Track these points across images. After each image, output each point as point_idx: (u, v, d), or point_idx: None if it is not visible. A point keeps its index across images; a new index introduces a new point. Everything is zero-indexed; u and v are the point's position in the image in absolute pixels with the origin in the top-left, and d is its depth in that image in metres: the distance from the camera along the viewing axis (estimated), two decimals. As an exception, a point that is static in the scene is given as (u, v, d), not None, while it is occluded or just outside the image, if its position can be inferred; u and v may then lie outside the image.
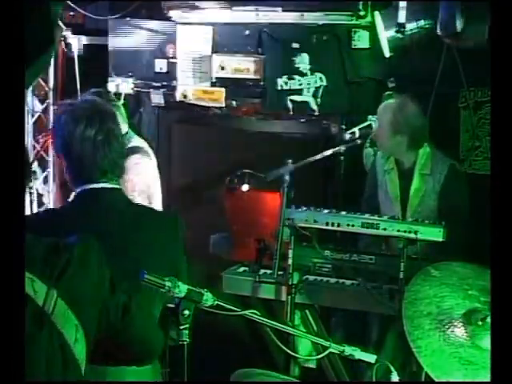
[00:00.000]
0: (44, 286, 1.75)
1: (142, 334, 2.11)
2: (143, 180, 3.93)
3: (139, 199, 3.85)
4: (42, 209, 5.47)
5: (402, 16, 4.32)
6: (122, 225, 2.48)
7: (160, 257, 2.48)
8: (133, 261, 2.38)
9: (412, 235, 3.66)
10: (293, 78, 5.00)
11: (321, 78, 4.94)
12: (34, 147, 5.61)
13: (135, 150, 4.08)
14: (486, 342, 2.29)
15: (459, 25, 3.96)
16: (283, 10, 4.90)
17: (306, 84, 4.97)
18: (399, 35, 4.38)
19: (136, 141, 4.14)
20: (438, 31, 4.12)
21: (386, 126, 4.12)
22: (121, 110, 4.19)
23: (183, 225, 2.63)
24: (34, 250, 1.80)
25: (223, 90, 5.20)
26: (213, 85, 5.23)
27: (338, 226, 3.85)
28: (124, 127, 4.17)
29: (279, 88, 5.04)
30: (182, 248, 2.61)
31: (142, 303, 2.16)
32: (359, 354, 2.37)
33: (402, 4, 4.31)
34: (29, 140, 5.50)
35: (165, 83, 5.38)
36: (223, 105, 5.22)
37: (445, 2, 4.04)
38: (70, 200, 2.62)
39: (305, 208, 3.91)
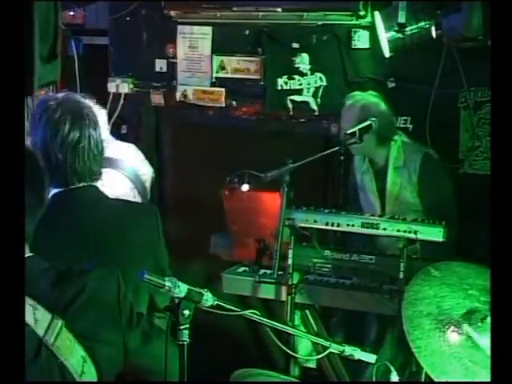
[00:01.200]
0: (48, 314, 1.69)
1: (161, 364, 2.08)
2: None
3: None
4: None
5: (402, 16, 4.32)
6: (99, 221, 2.45)
7: (140, 249, 2.47)
8: (112, 256, 2.36)
9: (412, 235, 3.66)
10: (293, 78, 5.00)
11: (321, 78, 4.94)
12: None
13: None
14: (486, 342, 2.29)
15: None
16: (283, 10, 4.89)
17: (306, 84, 4.97)
18: (399, 35, 4.38)
19: (111, 150, 4.02)
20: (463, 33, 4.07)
21: (350, 127, 4.11)
22: (102, 115, 4.10)
23: (160, 217, 2.60)
24: (42, 275, 1.73)
25: (223, 90, 5.20)
26: (213, 85, 5.23)
27: (338, 226, 3.85)
28: (104, 132, 4.09)
29: (279, 88, 5.04)
30: (163, 239, 2.60)
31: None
32: (359, 354, 2.37)
33: (402, 4, 4.31)
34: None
35: (165, 83, 5.38)
36: (223, 105, 5.22)
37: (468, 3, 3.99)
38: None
39: (305, 208, 3.92)
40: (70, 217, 2.42)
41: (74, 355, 1.72)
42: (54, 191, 2.45)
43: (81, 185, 2.45)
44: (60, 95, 2.50)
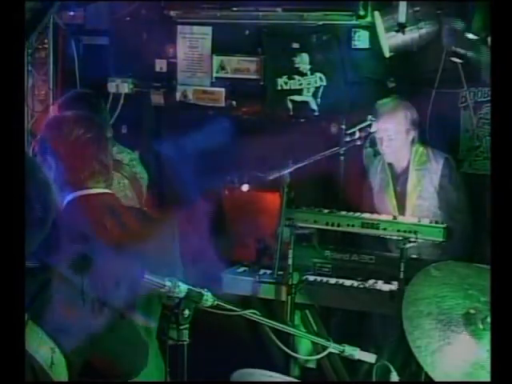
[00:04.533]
0: None
1: (128, 350, 2.10)
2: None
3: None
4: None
5: (402, 16, 4.32)
6: (115, 229, 2.45)
7: (156, 260, 2.46)
8: (127, 265, 2.36)
9: (412, 235, 3.66)
10: (293, 78, 5.00)
11: (321, 78, 4.94)
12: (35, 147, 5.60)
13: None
14: (485, 342, 2.29)
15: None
16: (283, 10, 4.90)
17: (306, 84, 4.97)
18: (399, 35, 4.38)
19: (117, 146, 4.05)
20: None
21: (400, 128, 4.12)
22: (107, 113, 4.12)
23: (176, 227, 2.60)
24: None
25: (223, 90, 5.21)
26: (213, 85, 5.23)
27: (338, 226, 3.85)
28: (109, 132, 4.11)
29: (279, 88, 5.04)
30: (178, 251, 2.59)
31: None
32: (359, 354, 2.37)
33: (402, 4, 4.32)
34: (28, 140, 5.50)
35: (165, 83, 5.38)
36: (223, 105, 5.22)
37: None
38: (61, 209, 2.57)
39: (305, 208, 3.92)
40: (85, 222, 2.40)
41: (42, 346, 1.72)
42: (69, 197, 2.44)
43: (97, 191, 2.45)
44: (66, 114, 2.61)
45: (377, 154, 4.49)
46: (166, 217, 2.74)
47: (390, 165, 4.29)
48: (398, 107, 4.19)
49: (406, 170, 4.22)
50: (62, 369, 1.76)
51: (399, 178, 4.25)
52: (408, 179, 4.20)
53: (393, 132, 4.12)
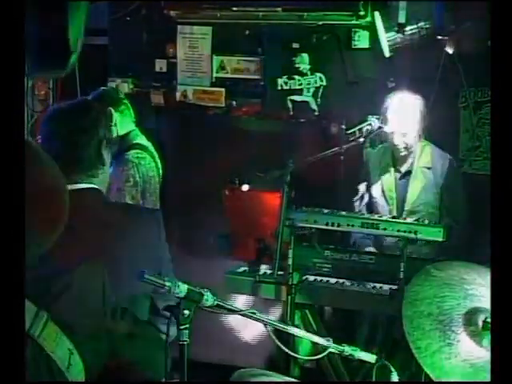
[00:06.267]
0: (34, 307, 1.69)
1: (146, 358, 2.09)
2: (139, 174, 3.95)
3: (132, 191, 3.84)
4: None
5: (402, 16, 4.32)
6: (99, 223, 2.43)
7: (141, 254, 2.45)
8: (112, 260, 2.35)
9: (412, 235, 3.66)
10: (293, 78, 5.00)
11: (321, 78, 4.94)
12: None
13: (138, 146, 4.11)
14: (486, 342, 2.29)
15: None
16: (283, 10, 4.89)
17: (306, 84, 4.97)
18: (399, 35, 4.38)
19: (141, 139, 4.17)
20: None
21: (414, 121, 4.11)
22: (128, 108, 4.21)
23: (162, 222, 2.59)
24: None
25: (223, 90, 5.21)
26: (213, 85, 5.23)
27: (338, 226, 3.85)
28: (130, 126, 4.19)
29: (279, 88, 5.04)
30: (164, 244, 2.58)
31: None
32: (359, 354, 2.37)
33: (402, 4, 4.32)
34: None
35: (165, 83, 5.38)
36: (223, 105, 5.22)
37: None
38: None
39: (305, 208, 3.92)
40: (70, 217, 2.39)
41: (60, 347, 1.72)
42: None
43: (83, 186, 2.45)
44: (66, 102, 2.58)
45: (375, 148, 4.48)
46: (153, 213, 2.73)
47: (394, 161, 4.27)
48: (412, 102, 4.17)
49: (410, 168, 4.22)
50: (79, 371, 1.75)
51: (402, 177, 4.25)
52: (411, 178, 4.20)
53: (407, 126, 4.11)
